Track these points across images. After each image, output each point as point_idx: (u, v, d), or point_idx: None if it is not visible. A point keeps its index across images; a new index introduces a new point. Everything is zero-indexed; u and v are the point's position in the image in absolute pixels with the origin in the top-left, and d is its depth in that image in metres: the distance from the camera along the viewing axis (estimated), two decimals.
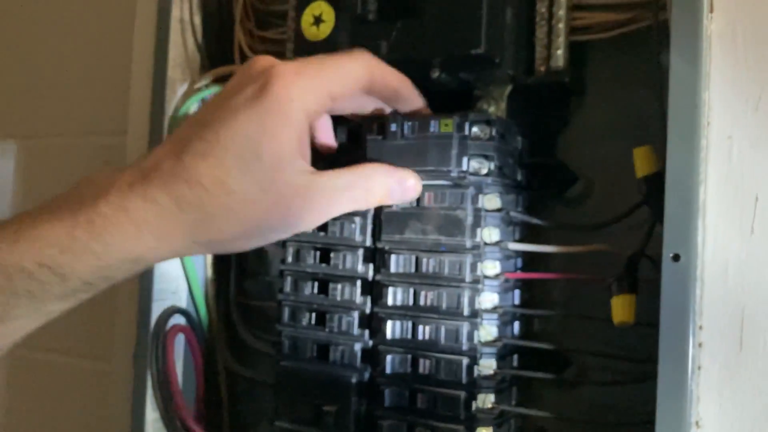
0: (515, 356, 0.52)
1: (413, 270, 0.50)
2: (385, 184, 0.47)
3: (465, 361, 0.48)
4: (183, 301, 0.64)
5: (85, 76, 0.79)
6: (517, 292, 0.53)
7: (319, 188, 0.44)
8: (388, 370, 0.51)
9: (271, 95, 0.43)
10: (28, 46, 0.85)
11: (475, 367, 0.49)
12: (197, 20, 0.64)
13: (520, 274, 0.52)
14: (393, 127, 0.50)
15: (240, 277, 0.66)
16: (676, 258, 0.41)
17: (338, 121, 0.52)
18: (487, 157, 0.48)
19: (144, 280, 0.62)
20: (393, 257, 0.51)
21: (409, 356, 0.50)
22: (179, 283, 0.64)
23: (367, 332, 0.52)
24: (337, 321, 0.52)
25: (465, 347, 0.48)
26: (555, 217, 0.54)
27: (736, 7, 0.43)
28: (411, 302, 0.50)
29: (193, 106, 0.62)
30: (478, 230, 0.48)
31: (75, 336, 0.78)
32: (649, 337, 0.43)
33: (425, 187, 0.49)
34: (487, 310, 0.49)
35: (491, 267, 0.49)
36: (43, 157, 0.82)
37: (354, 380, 0.51)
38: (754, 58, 0.43)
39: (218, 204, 0.42)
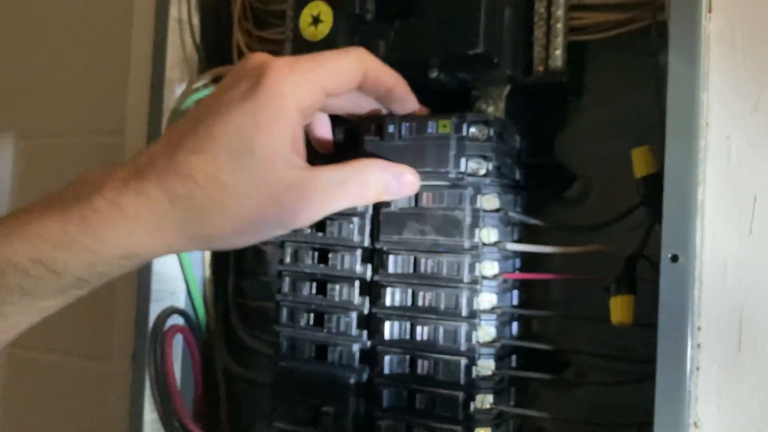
0: (513, 357, 0.52)
1: (411, 270, 0.50)
2: (381, 180, 0.47)
3: (463, 361, 0.48)
4: (181, 302, 0.64)
5: (84, 75, 0.79)
6: (515, 292, 0.52)
7: (314, 184, 0.44)
8: (386, 371, 0.51)
9: (264, 90, 0.43)
10: (27, 46, 0.85)
11: (474, 367, 0.49)
12: (195, 20, 0.64)
13: (518, 275, 0.52)
14: (391, 128, 0.50)
15: (238, 277, 0.65)
16: (674, 258, 0.41)
17: (336, 121, 0.52)
18: (485, 158, 0.48)
19: (142, 281, 0.62)
20: (391, 258, 0.51)
21: (408, 357, 0.50)
22: (177, 284, 0.64)
23: (365, 333, 0.52)
24: (336, 321, 0.52)
25: (463, 348, 0.48)
26: (553, 218, 0.54)
27: (734, 7, 0.43)
28: (409, 303, 0.50)
29: (191, 106, 0.61)
30: (477, 231, 0.48)
31: (73, 336, 0.77)
32: (648, 337, 0.43)
33: (423, 188, 0.49)
34: (485, 311, 0.49)
35: (489, 267, 0.49)
36: (41, 157, 0.82)
37: (352, 381, 0.51)
38: (753, 59, 0.42)
39: (211, 199, 0.42)
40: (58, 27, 0.82)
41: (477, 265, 0.49)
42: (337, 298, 0.52)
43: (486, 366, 0.49)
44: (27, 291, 0.42)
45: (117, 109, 0.70)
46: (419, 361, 0.50)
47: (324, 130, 0.52)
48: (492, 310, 0.49)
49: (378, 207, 0.51)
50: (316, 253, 0.54)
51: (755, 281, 0.42)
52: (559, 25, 0.50)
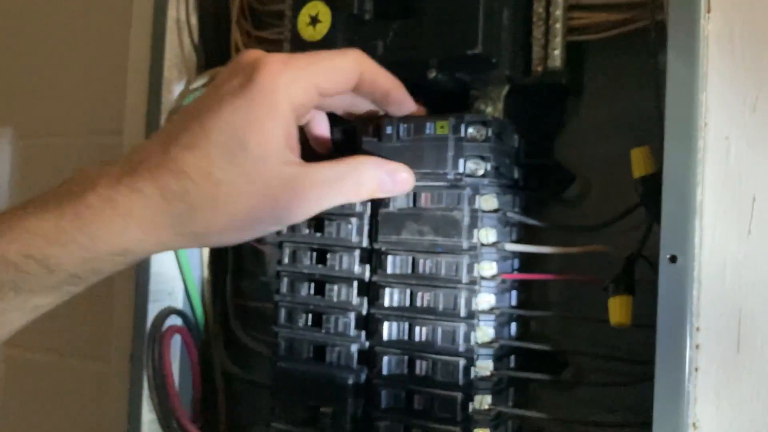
0: (512, 357, 0.52)
1: (410, 271, 0.50)
2: (376, 177, 0.47)
3: (462, 362, 0.48)
4: (179, 302, 0.64)
5: (82, 76, 0.79)
6: (514, 293, 0.52)
7: (309, 180, 0.44)
8: (384, 372, 0.50)
9: (257, 86, 0.43)
10: (25, 45, 0.85)
11: (472, 368, 0.48)
12: (193, 20, 0.64)
13: (516, 275, 0.52)
14: (389, 129, 0.50)
15: (237, 277, 0.65)
16: (673, 259, 0.41)
17: (334, 121, 0.52)
18: (483, 158, 0.48)
19: (140, 281, 0.62)
20: (390, 258, 0.51)
21: (406, 357, 0.50)
22: (175, 284, 0.64)
23: (363, 333, 0.52)
24: (334, 322, 0.52)
25: (462, 348, 0.48)
26: (552, 218, 0.54)
27: (733, 7, 0.43)
28: (407, 303, 0.50)
29: None
30: (475, 231, 0.48)
31: (71, 336, 0.77)
32: (647, 338, 0.43)
33: (422, 188, 0.49)
34: (483, 311, 0.49)
35: (488, 268, 0.49)
36: (40, 157, 0.81)
37: (350, 381, 0.51)
38: (752, 59, 0.42)
39: (204, 195, 0.42)
40: (57, 27, 0.82)
41: (475, 265, 0.48)
42: (335, 299, 0.52)
43: (484, 366, 0.49)
44: (20, 287, 0.42)
45: (115, 109, 0.69)
46: (417, 362, 0.50)
47: (322, 129, 0.52)
48: (490, 310, 0.49)
49: (376, 207, 0.51)
50: (315, 254, 0.54)
51: (754, 281, 0.42)
52: (558, 25, 0.50)
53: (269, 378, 0.55)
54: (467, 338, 0.48)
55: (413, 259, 0.50)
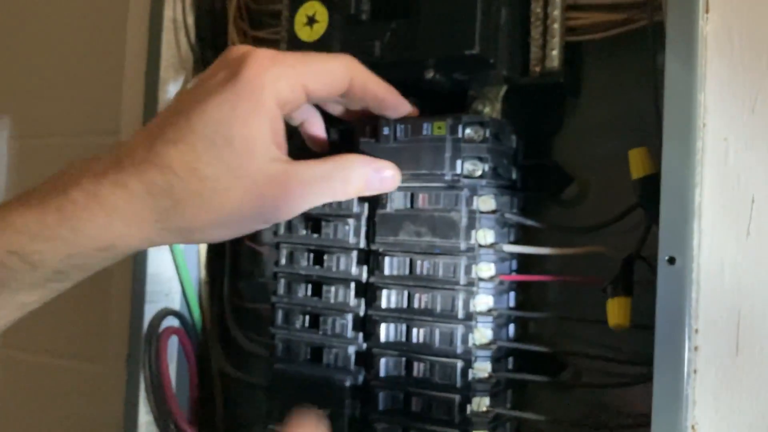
0: (510, 359, 0.52)
1: (407, 272, 0.50)
2: (363, 175, 0.47)
3: (459, 364, 0.48)
4: (176, 303, 0.64)
5: (78, 76, 0.79)
6: (512, 294, 0.52)
7: (295, 177, 0.43)
8: (382, 373, 0.50)
9: (243, 80, 0.42)
10: (21, 45, 0.84)
11: (470, 370, 0.48)
12: (190, 20, 0.64)
13: (515, 276, 0.52)
14: (386, 130, 0.49)
15: (234, 278, 0.65)
16: (671, 261, 0.41)
17: (331, 122, 0.52)
18: (481, 159, 0.48)
19: (136, 282, 0.62)
20: (387, 259, 0.50)
21: (404, 359, 0.50)
22: (172, 285, 0.64)
23: (361, 335, 0.52)
24: (331, 324, 0.52)
25: (459, 350, 0.48)
26: (550, 219, 0.53)
27: (731, 8, 0.42)
28: (405, 305, 0.50)
29: None
30: (473, 232, 0.48)
31: (68, 338, 0.77)
32: (646, 339, 0.43)
33: (419, 189, 0.49)
34: (481, 313, 0.49)
35: (486, 269, 0.49)
36: (36, 157, 0.81)
37: (348, 383, 0.51)
38: (750, 60, 0.42)
39: (189, 190, 0.42)
40: (53, 26, 0.82)
41: (473, 266, 0.48)
42: (332, 300, 0.52)
43: (482, 368, 0.49)
44: (4, 284, 0.41)
45: (112, 109, 0.69)
46: (415, 364, 0.49)
47: (317, 129, 0.51)
48: (488, 312, 0.49)
49: (373, 208, 0.51)
50: (312, 255, 0.53)
51: (753, 283, 0.41)
52: (556, 26, 0.50)
53: (266, 379, 0.55)
54: (465, 340, 0.48)
55: (411, 261, 0.50)
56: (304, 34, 0.52)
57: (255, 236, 0.63)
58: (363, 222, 0.51)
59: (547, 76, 0.50)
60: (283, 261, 0.54)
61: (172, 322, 0.63)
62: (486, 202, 0.48)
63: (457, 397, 0.48)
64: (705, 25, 0.42)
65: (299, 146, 0.52)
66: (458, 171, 0.48)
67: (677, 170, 0.42)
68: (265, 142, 0.43)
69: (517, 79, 0.51)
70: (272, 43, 0.60)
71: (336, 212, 0.52)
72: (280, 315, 0.54)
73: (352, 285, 0.52)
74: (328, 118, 0.52)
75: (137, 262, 0.62)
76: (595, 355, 0.50)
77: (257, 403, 0.62)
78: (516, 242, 0.52)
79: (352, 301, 0.52)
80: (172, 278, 0.64)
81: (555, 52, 0.50)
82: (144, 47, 0.63)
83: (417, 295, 0.50)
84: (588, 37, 0.50)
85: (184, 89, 0.46)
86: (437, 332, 0.49)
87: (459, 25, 0.48)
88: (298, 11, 0.53)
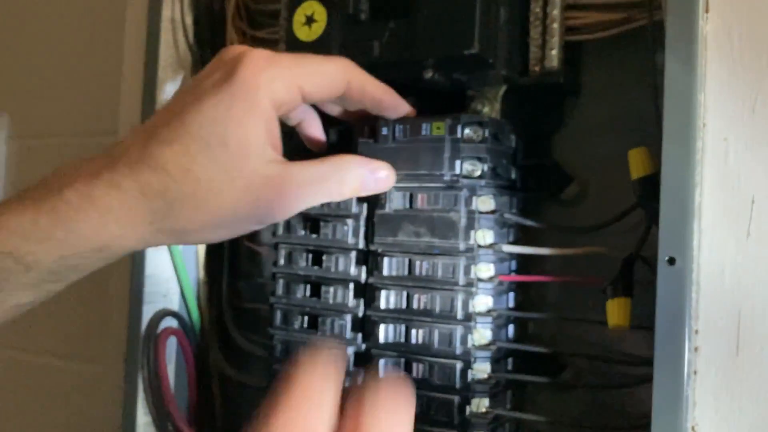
0: (510, 360, 0.52)
1: (406, 273, 0.50)
2: (358, 176, 0.47)
3: (459, 365, 0.48)
4: (174, 304, 0.64)
5: (76, 76, 0.79)
6: (511, 294, 0.52)
7: (291, 179, 0.43)
8: (381, 374, 0.50)
9: (238, 81, 0.42)
10: (19, 45, 0.84)
11: (469, 371, 0.48)
12: (188, 20, 0.64)
13: (514, 277, 0.52)
14: (384, 130, 0.49)
15: (233, 278, 0.65)
16: (671, 261, 0.41)
17: (330, 122, 0.52)
18: (480, 159, 0.48)
19: (135, 283, 0.62)
20: (386, 260, 0.50)
21: (402, 360, 0.50)
22: (170, 286, 0.64)
23: (360, 336, 0.51)
24: (330, 324, 0.52)
25: (459, 351, 0.48)
26: (550, 219, 0.53)
27: (731, 7, 0.42)
28: (404, 305, 0.50)
29: None
30: (472, 232, 0.48)
31: (66, 338, 0.77)
32: (645, 340, 0.43)
33: (418, 189, 0.49)
34: (481, 314, 0.49)
35: (485, 269, 0.49)
36: (33, 157, 0.81)
37: (347, 384, 0.51)
38: (751, 59, 0.42)
39: (184, 192, 0.42)
40: (51, 26, 0.82)
41: (472, 267, 0.48)
42: (331, 301, 0.52)
43: (482, 369, 0.49)
44: None
45: (110, 109, 0.69)
46: (414, 365, 0.49)
47: (314, 129, 0.51)
48: (488, 312, 0.49)
49: (372, 208, 0.51)
50: (310, 255, 0.53)
51: (753, 284, 0.41)
52: (555, 25, 0.49)
53: (265, 380, 0.54)
54: (464, 341, 0.48)
55: (410, 261, 0.50)
56: (303, 33, 0.52)
57: (254, 236, 0.63)
58: (362, 222, 0.51)
59: (546, 75, 0.50)
60: (281, 261, 0.54)
61: (170, 322, 0.63)
62: (485, 202, 0.48)
63: (456, 398, 0.48)
64: (705, 25, 0.42)
65: (298, 146, 0.52)
66: (457, 171, 0.48)
67: (677, 170, 0.41)
68: (261, 144, 0.42)
69: (517, 79, 0.51)
70: (271, 43, 0.60)
71: (335, 212, 0.51)
72: (278, 315, 0.54)
73: (351, 286, 0.51)
74: (327, 118, 0.52)
75: (135, 263, 0.62)
76: (594, 355, 0.50)
77: (256, 404, 0.62)
78: (515, 242, 0.52)
79: (351, 301, 0.51)
80: (171, 279, 0.63)
81: (554, 52, 0.49)
82: (142, 47, 0.63)
83: (416, 296, 0.49)
84: (587, 36, 0.50)
85: (179, 89, 0.46)
86: (436, 333, 0.49)
87: (458, 24, 0.47)
88: (297, 11, 0.52)
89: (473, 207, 0.48)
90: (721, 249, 0.42)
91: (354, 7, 0.50)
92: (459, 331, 0.48)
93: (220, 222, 0.43)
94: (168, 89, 0.62)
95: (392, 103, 0.49)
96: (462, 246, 0.48)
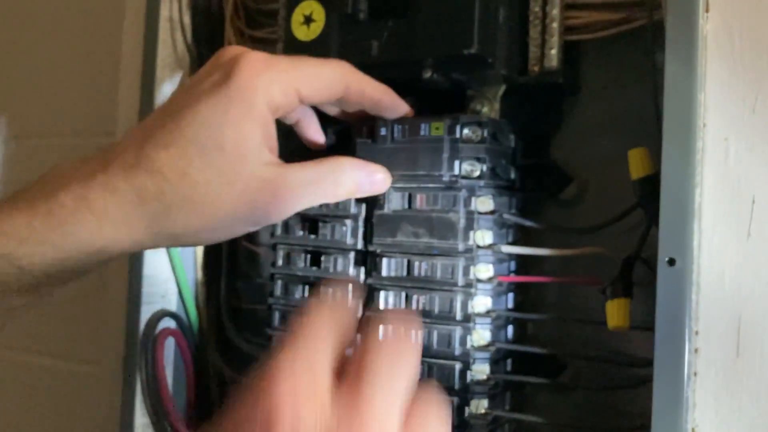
0: (509, 361, 0.52)
1: (405, 274, 0.50)
2: (354, 178, 0.47)
3: (458, 366, 0.48)
4: (173, 305, 0.64)
5: (74, 76, 0.78)
6: (510, 295, 0.52)
7: (287, 181, 0.43)
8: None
9: (235, 84, 0.42)
10: (16, 45, 0.84)
11: (468, 372, 0.48)
12: (186, 19, 0.63)
13: (513, 278, 0.52)
14: (383, 130, 0.49)
15: (231, 279, 0.65)
16: (671, 262, 0.41)
17: (328, 122, 0.52)
18: (479, 160, 0.47)
19: (133, 284, 0.61)
20: (385, 261, 0.50)
21: None
22: (169, 286, 0.63)
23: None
24: None
25: (458, 352, 0.48)
26: (549, 219, 0.53)
27: (732, 6, 0.42)
28: (403, 306, 0.50)
29: None
30: (471, 233, 0.48)
31: (64, 339, 0.77)
32: (645, 341, 0.42)
33: (417, 190, 0.49)
34: (480, 314, 0.48)
35: (484, 270, 0.48)
36: (31, 158, 0.81)
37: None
38: (751, 59, 0.42)
39: (181, 195, 0.42)
40: (49, 26, 0.81)
41: (471, 267, 0.48)
42: None
43: (481, 370, 0.48)
44: None
45: (107, 110, 0.69)
46: None
47: (311, 128, 0.51)
48: (487, 313, 0.49)
49: (371, 209, 0.50)
50: (309, 256, 0.53)
51: (754, 285, 0.41)
52: (555, 25, 0.49)
53: None
54: (463, 342, 0.48)
55: (408, 262, 0.50)
56: (301, 33, 0.52)
57: (252, 237, 0.63)
58: (360, 223, 0.51)
59: (545, 75, 0.50)
60: (280, 262, 0.54)
61: (168, 323, 0.62)
62: (484, 202, 0.48)
63: (455, 399, 0.48)
64: (705, 24, 0.42)
65: (296, 145, 0.51)
66: (456, 172, 0.47)
67: (677, 170, 0.41)
68: (257, 147, 0.42)
69: (516, 79, 0.50)
70: (269, 43, 0.60)
71: (333, 213, 0.51)
72: (277, 316, 0.54)
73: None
74: (325, 117, 0.52)
75: (134, 264, 0.62)
76: (594, 357, 0.50)
77: None
78: (514, 243, 0.52)
79: None
80: (169, 279, 0.63)
81: (554, 52, 0.49)
82: (140, 47, 0.63)
83: (415, 297, 0.49)
84: (587, 36, 0.50)
85: (176, 90, 0.46)
86: (435, 334, 0.48)
87: (457, 24, 0.47)
88: (295, 10, 0.52)
89: (472, 207, 0.48)
90: (721, 250, 0.42)
91: (352, 6, 0.50)
92: (458, 332, 0.48)
93: (217, 225, 0.43)
94: (166, 89, 0.62)
95: (391, 104, 0.49)
96: (461, 247, 0.48)
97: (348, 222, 0.51)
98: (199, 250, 0.65)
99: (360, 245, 0.51)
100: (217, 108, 0.41)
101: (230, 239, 0.56)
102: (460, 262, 0.48)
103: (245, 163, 0.42)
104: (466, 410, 0.48)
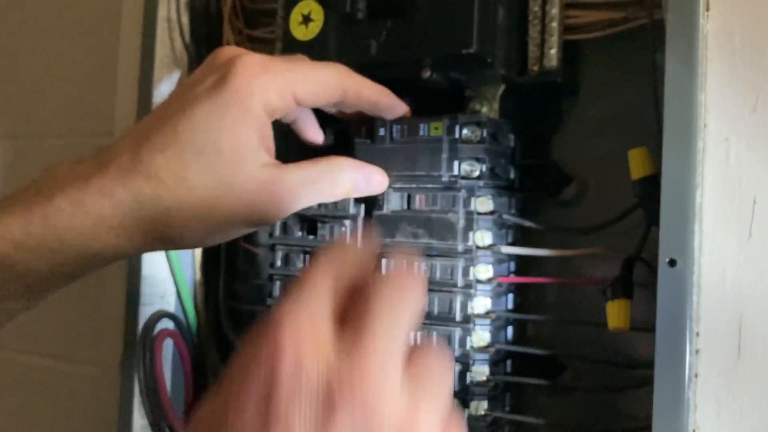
0: (508, 362, 0.51)
1: None
2: (351, 178, 0.46)
3: (457, 367, 0.48)
4: (171, 305, 0.63)
5: (72, 76, 0.78)
6: (510, 296, 0.52)
7: (284, 183, 0.43)
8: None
9: (231, 87, 0.42)
10: (14, 46, 0.84)
11: (468, 373, 0.48)
12: (185, 19, 0.63)
13: (513, 278, 0.52)
14: (381, 131, 0.49)
15: (230, 280, 0.64)
16: (672, 263, 0.41)
17: (327, 121, 0.51)
18: (478, 160, 0.47)
19: (131, 284, 0.61)
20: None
21: None
22: (167, 287, 0.63)
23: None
24: None
25: (457, 353, 0.48)
26: (549, 220, 0.53)
27: (732, 5, 0.42)
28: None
29: None
30: (471, 234, 0.48)
31: (62, 340, 0.77)
32: (646, 342, 0.42)
33: (416, 190, 0.49)
34: (479, 315, 0.48)
35: (484, 271, 0.48)
36: (28, 158, 0.80)
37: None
38: (752, 58, 0.42)
39: (178, 200, 0.41)
40: (46, 27, 0.81)
41: (471, 268, 0.48)
42: None
43: (480, 372, 0.48)
44: None
45: (105, 110, 0.68)
46: None
47: (310, 126, 0.51)
48: (486, 314, 0.48)
49: (370, 209, 0.50)
50: (308, 257, 0.53)
51: (755, 285, 0.41)
52: (554, 24, 0.49)
53: None
54: (463, 343, 0.48)
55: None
56: (300, 33, 0.52)
57: (251, 237, 0.63)
58: (359, 223, 0.51)
59: (545, 75, 0.49)
60: (278, 263, 0.54)
61: (167, 324, 0.62)
62: (484, 203, 0.48)
63: (454, 401, 0.47)
64: (705, 24, 0.42)
65: (295, 145, 0.51)
66: (455, 172, 0.47)
67: (678, 171, 0.41)
68: (254, 149, 0.42)
69: (515, 79, 0.50)
70: (267, 42, 0.60)
71: (332, 213, 0.51)
72: None
73: None
74: (324, 117, 0.51)
75: (132, 264, 0.61)
76: (594, 358, 0.50)
77: None
78: (514, 243, 0.51)
79: None
80: (167, 280, 0.63)
81: (553, 51, 0.49)
82: (138, 47, 0.63)
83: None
84: (587, 35, 0.49)
85: (172, 92, 0.46)
86: (434, 335, 0.48)
87: (456, 23, 0.47)
88: (293, 10, 0.52)
89: (472, 208, 0.48)
90: (722, 250, 0.41)
91: (351, 6, 0.50)
92: (457, 333, 0.48)
93: (215, 228, 0.43)
94: (164, 89, 0.62)
95: (389, 105, 0.48)
96: (460, 247, 0.47)
97: (347, 222, 0.51)
98: (198, 251, 0.64)
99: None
100: (214, 112, 0.41)
101: None
102: (460, 263, 0.48)
103: (242, 166, 0.42)
104: (466, 412, 0.48)
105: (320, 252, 0.32)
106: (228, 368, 0.28)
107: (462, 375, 0.48)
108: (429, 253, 0.48)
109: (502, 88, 0.50)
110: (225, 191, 0.41)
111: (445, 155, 0.47)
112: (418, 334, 0.31)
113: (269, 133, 0.44)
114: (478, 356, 0.48)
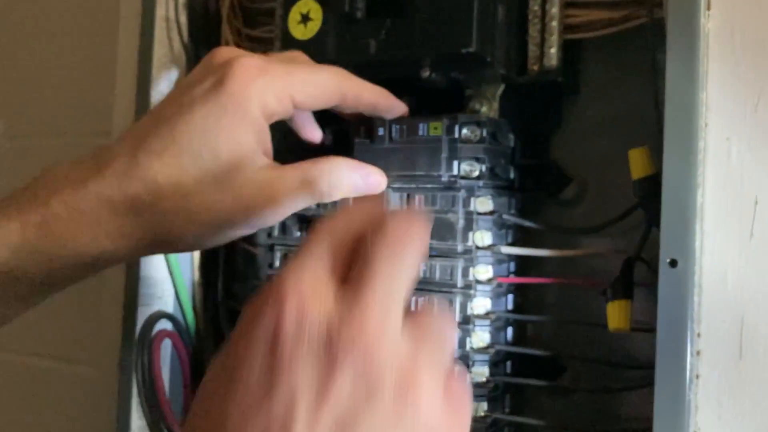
0: (508, 363, 0.51)
1: None
2: (349, 178, 0.46)
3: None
4: (169, 306, 0.63)
5: (70, 76, 0.78)
6: (510, 296, 0.51)
7: (281, 184, 0.43)
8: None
9: (229, 91, 0.41)
10: (13, 46, 0.84)
11: (467, 374, 0.47)
12: (183, 19, 0.63)
13: (513, 279, 0.51)
14: (381, 130, 0.49)
15: (228, 280, 0.64)
16: (673, 263, 0.40)
17: (326, 121, 0.51)
18: (478, 160, 0.47)
19: (129, 285, 0.61)
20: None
21: None
22: (165, 288, 0.63)
23: None
24: None
25: (457, 354, 0.47)
26: (549, 220, 0.53)
27: (734, 4, 0.42)
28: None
29: None
30: (470, 234, 0.47)
31: (60, 341, 0.76)
32: (646, 342, 0.42)
33: (415, 190, 0.48)
34: (479, 316, 0.48)
35: (483, 271, 0.48)
36: (26, 158, 0.80)
37: None
38: (753, 58, 0.41)
39: (176, 204, 0.41)
40: (44, 26, 0.81)
41: (470, 269, 0.48)
42: None
43: (480, 373, 0.48)
44: None
45: (103, 110, 0.68)
46: None
47: (308, 125, 0.50)
48: (486, 315, 0.48)
49: None
50: None
51: (756, 286, 0.41)
52: (554, 23, 0.49)
53: None
54: (462, 344, 0.47)
55: None
56: (298, 32, 0.52)
57: (249, 238, 0.62)
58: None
59: (545, 74, 0.49)
60: (277, 263, 0.53)
61: (165, 325, 0.62)
62: (483, 203, 0.48)
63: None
64: (706, 23, 0.42)
65: (294, 144, 0.51)
66: (455, 172, 0.47)
67: (678, 171, 0.41)
68: (252, 152, 0.42)
69: (515, 78, 0.50)
70: (266, 42, 0.59)
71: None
72: None
73: None
74: (323, 116, 0.51)
75: (130, 265, 0.61)
76: (594, 358, 0.49)
77: None
78: (514, 244, 0.51)
79: None
80: (165, 280, 0.63)
81: (553, 51, 0.49)
82: (136, 46, 0.63)
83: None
84: (587, 34, 0.49)
85: (169, 93, 0.46)
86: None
87: (456, 22, 0.47)
88: (292, 9, 0.52)
89: (471, 208, 0.47)
90: (723, 250, 0.41)
91: (350, 5, 0.50)
92: (457, 334, 0.47)
93: (214, 231, 0.43)
94: (162, 88, 0.62)
95: (388, 105, 0.48)
96: (460, 248, 0.47)
97: None
98: (196, 252, 0.64)
99: None
100: (211, 116, 0.41)
101: None
102: (459, 263, 0.47)
103: (240, 169, 0.41)
104: None
105: (322, 218, 0.32)
106: (234, 328, 0.29)
107: None
108: (428, 254, 0.48)
109: (502, 87, 0.50)
110: (222, 195, 0.41)
111: (444, 155, 0.47)
112: (420, 299, 0.32)
113: (267, 134, 0.44)
114: (478, 357, 0.48)
